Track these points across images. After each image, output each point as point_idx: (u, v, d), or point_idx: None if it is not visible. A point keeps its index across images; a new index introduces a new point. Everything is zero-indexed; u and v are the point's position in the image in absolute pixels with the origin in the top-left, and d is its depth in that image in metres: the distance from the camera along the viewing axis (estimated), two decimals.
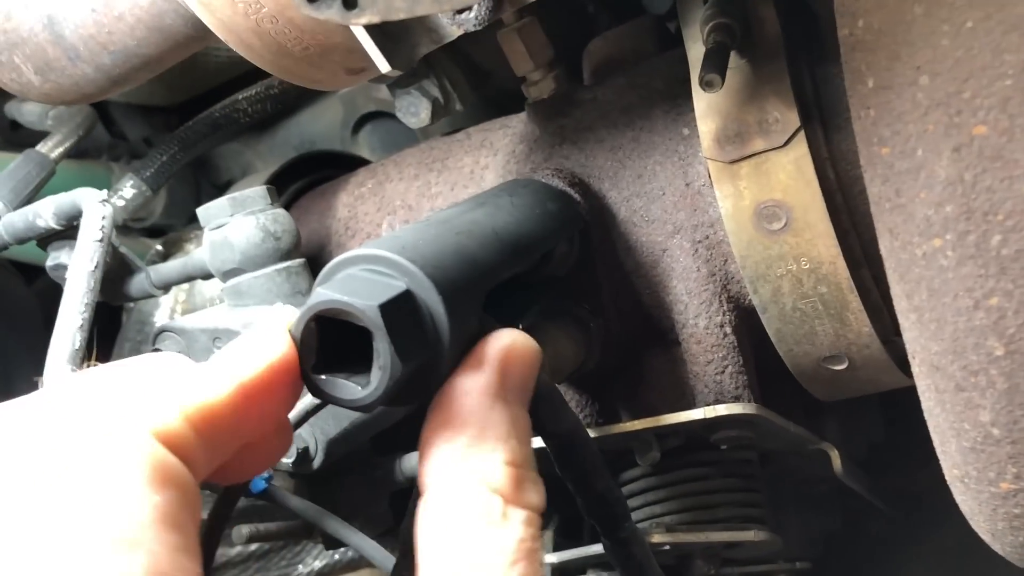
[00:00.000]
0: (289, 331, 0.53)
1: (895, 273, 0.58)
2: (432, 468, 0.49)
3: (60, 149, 1.03)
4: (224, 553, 1.17)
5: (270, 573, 1.20)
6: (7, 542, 0.39)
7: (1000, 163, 0.51)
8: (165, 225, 1.39)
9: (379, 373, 0.52)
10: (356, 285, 0.54)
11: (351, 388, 0.53)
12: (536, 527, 0.49)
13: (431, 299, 0.55)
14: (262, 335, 0.51)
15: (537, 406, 0.60)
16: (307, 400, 0.70)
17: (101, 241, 0.74)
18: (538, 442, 0.78)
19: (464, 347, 0.58)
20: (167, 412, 0.44)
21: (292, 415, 0.60)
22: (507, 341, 0.53)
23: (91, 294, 0.72)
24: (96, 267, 0.73)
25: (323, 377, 0.53)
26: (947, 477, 0.65)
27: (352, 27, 0.60)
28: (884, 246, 0.59)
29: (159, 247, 1.13)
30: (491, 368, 0.52)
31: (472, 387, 0.51)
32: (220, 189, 1.47)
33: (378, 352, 0.52)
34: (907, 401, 0.83)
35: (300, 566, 1.22)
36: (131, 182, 1.01)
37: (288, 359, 0.50)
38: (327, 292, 0.53)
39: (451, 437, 0.49)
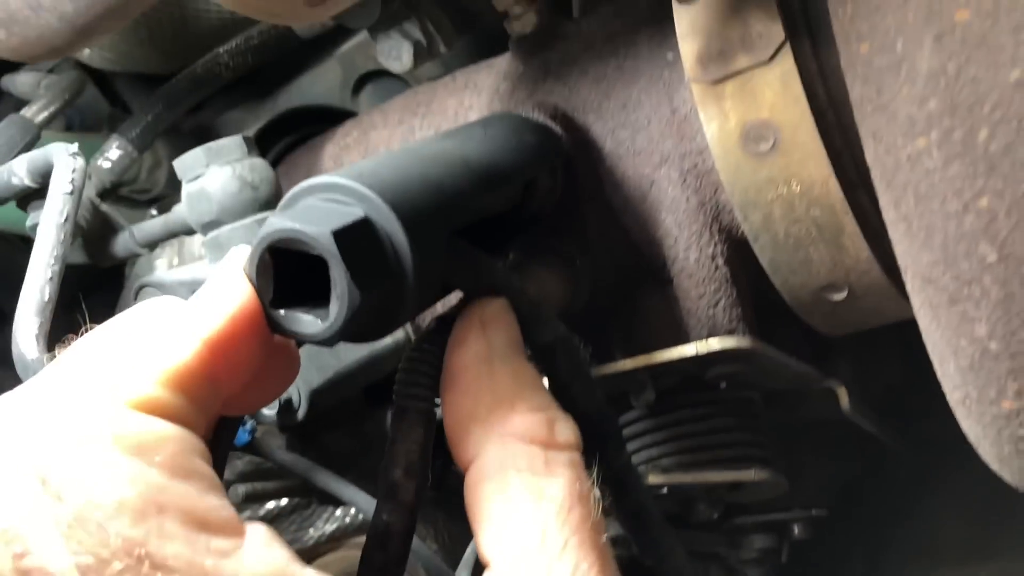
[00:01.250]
0: (244, 269, 0.52)
1: (881, 181, 0.54)
2: (465, 443, 0.50)
3: (45, 113, 1.01)
4: None
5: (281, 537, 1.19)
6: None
7: (984, 50, 0.47)
8: (172, 196, 1.38)
9: (337, 303, 0.50)
10: (311, 214, 0.52)
11: (311, 322, 0.51)
12: (580, 467, 0.49)
13: (391, 226, 0.53)
14: (219, 284, 0.50)
15: (529, 322, 0.58)
16: None
17: (71, 194, 0.73)
18: None
19: (432, 279, 0.56)
20: (140, 382, 0.45)
21: None
22: (477, 308, 0.54)
23: (61, 247, 0.70)
24: (66, 220, 0.71)
25: (282, 312, 0.51)
26: (949, 401, 0.61)
27: None
28: (869, 153, 0.55)
29: (154, 212, 1.12)
30: (475, 336, 0.53)
31: (467, 360, 0.52)
32: None
33: (335, 281, 0.50)
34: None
35: (311, 530, 1.20)
36: (117, 143, 0.99)
37: (249, 304, 0.50)
38: (279, 221, 0.51)
39: (471, 410, 0.50)
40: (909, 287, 0.57)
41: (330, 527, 1.22)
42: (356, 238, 0.51)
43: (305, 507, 1.19)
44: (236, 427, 0.64)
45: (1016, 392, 0.53)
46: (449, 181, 0.59)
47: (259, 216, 0.82)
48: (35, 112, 1.01)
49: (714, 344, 0.71)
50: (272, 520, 1.19)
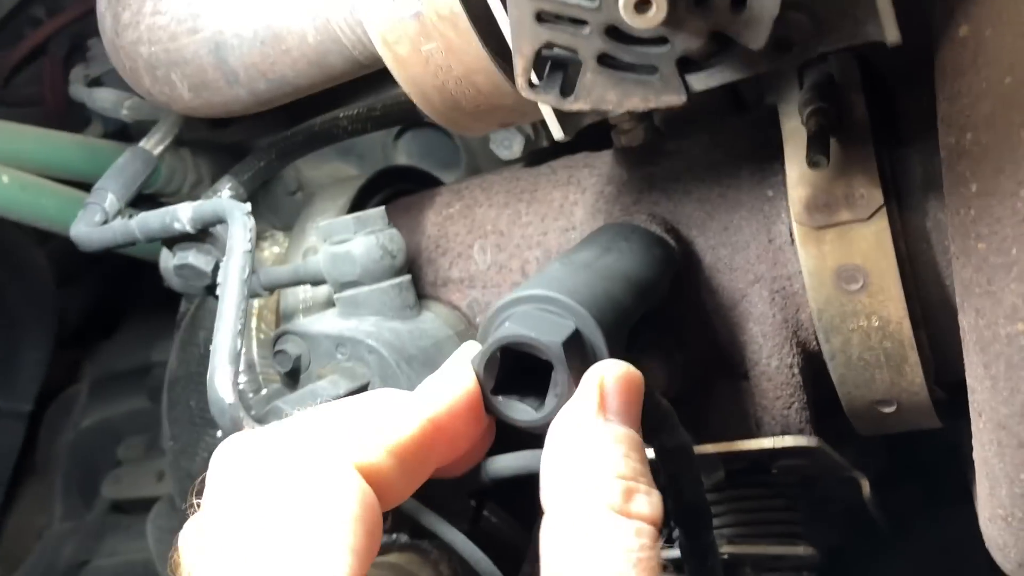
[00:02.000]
0: (472, 362, 0.63)
1: (976, 346, 0.69)
2: (548, 490, 0.55)
3: (161, 146, 1.09)
4: None
5: None
6: (244, 549, 0.50)
7: None
8: None
9: (555, 399, 0.62)
10: (535, 323, 0.64)
11: (526, 410, 0.63)
12: (648, 537, 0.52)
13: (595, 337, 0.65)
14: (452, 372, 0.62)
15: (659, 426, 0.71)
16: None
17: (250, 252, 0.82)
18: None
19: None
20: (372, 448, 0.55)
21: None
22: (600, 370, 0.60)
23: (244, 301, 0.79)
24: (248, 276, 0.81)
25: (500, 398, 0.63)
26: (988, 515, 0.76)
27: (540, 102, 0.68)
28: (967, 322, 0.70)
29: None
30: (590, 396, 0.58)
31: (577, 414, 0.57)
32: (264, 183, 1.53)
33: (556, 381, 0.62)
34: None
35: None
36: (229, 184, 1.07)
37: (472, 391, 0.61)
38: (514, 327, 0.63)
39: (563, 461, 0.55)
40: (980, 426, 0.72)
41: None
42: (572, 346, 0.63)
43: None
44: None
45: None
46: (622, 297, 0.72)
47: (393, 281, 0.92)
48: (154, 144, 1.09)
49: (788, 440, 0.85)
50: None
